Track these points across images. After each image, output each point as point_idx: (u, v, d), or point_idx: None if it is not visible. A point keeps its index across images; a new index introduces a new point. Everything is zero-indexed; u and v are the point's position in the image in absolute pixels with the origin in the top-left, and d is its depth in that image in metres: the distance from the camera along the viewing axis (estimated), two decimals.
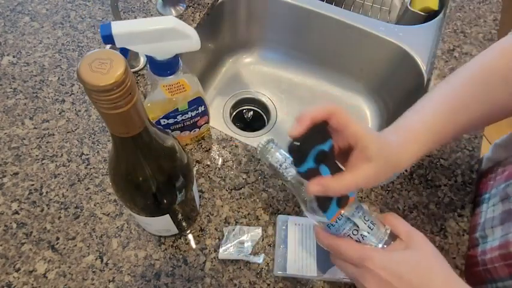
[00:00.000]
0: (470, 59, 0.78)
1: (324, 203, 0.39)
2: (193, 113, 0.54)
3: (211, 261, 0.55)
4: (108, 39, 0.42)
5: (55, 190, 0.59)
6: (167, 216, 0.47)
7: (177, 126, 0.55)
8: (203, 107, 0.54)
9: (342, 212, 0.41)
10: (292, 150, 0.37)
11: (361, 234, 0.41)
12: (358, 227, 0.41)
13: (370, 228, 0.41)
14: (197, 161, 0.63)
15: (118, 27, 0.42)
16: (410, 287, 0.37)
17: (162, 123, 0.54)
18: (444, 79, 0.49)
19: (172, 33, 0.43)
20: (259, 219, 0.59)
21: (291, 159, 0.41)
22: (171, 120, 0.54)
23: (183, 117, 0.54)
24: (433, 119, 0.44)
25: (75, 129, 0.65)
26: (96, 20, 0.78)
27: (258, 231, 0.57)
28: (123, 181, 0.41)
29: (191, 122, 0.55)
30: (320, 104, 0.38)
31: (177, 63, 0.48)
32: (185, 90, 0.50)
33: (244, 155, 0.64)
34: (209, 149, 0.65)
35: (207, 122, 0.58)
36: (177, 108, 0.52)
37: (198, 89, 0.53)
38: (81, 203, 0.58)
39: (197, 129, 0.57)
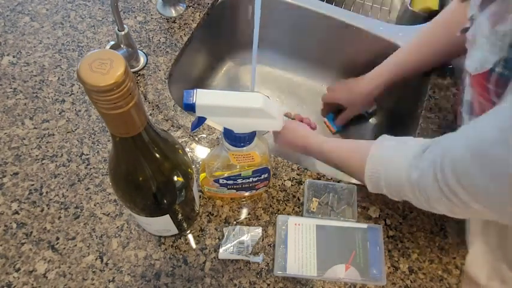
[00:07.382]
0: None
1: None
2: (255, 179, 0.53)
3: (211, 261, 0.55)
4: (190, 107, 0.40)
5: (55, 190, 0.59)
6: (167, 216, 0.47)
7: (235, 186, 0.54)
8: (267, 174, 0.53)
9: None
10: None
11: None
12: None
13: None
14: (197, 161, 0.63)
15: (202, 98, 0.40)
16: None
17: (221, 182, 0.53)
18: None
19: (258, 112, 0.41)
20: (259, 219, 0.59)
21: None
22: (230, 181, 0.53)
23: (243, 181, 0.53)
24: (396, 55, 0.65)
25: (75, 129, 0.65)
26: (96, 20, 0.78)
27: (258, 231, 0.57)
28: (123, 181, 0.41)
29: (250, 185, 0.55)
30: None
31: (253, 137, 0.46)
32: (253, 161, 0.49)
33: None
34: (209, 149, 0.65)
35: (266, 186, 0.58)
36: (240, 174, 0.51)
37: (265, 156, 0.51)
38: (81, 203, 0.58)
39: (254, 191, 0.57)
